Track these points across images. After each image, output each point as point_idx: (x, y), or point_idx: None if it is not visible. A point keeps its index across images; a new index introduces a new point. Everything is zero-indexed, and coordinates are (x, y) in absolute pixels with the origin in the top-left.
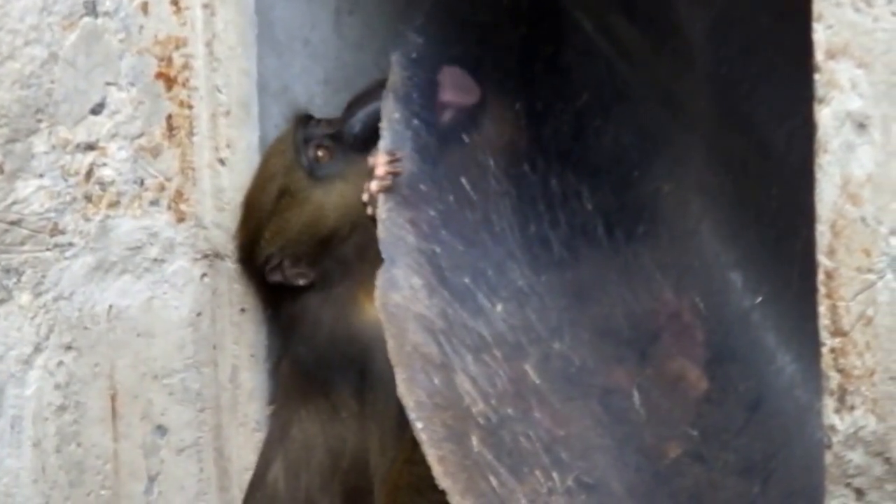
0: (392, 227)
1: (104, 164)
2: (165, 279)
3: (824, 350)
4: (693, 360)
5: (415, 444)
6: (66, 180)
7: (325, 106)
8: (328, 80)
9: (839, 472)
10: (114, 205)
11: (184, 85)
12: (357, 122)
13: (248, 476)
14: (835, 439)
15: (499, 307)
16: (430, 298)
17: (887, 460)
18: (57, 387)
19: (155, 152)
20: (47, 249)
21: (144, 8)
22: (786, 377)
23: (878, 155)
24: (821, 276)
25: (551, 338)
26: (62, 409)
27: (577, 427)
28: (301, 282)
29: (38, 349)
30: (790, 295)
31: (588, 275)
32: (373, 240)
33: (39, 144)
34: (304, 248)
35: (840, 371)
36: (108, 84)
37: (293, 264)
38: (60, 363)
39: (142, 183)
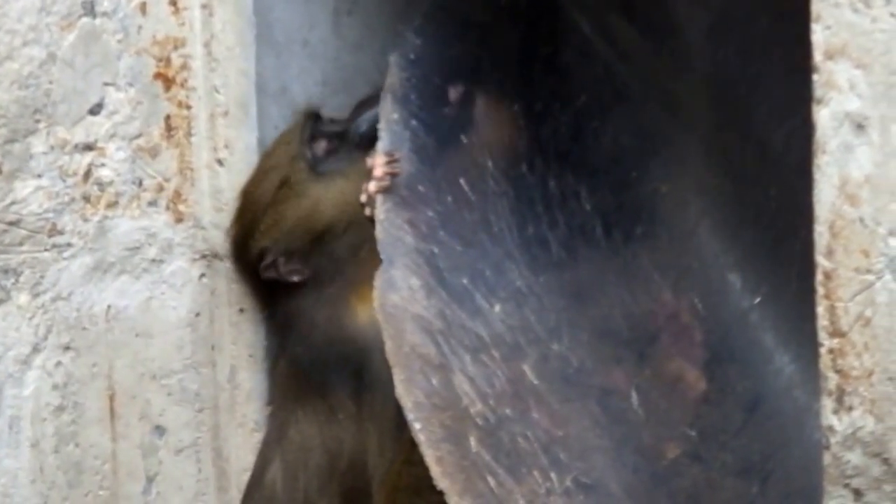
0: (390, 227)
1: (102, 165)
2: (164, 279)
3: (823, 351)
4: (691, 361)
5: (413, 445)
6: (64, 181)
7: (323, 107)
8: (327, 81)
9: (837, 472)
10: (112, 205)
11: (182, 85)
12: (364, 122)
13: (246, 476)
14: (833, 440)
15: (497, 308)
16: (428, 299)
17: (885, 461)
18: (55, 387)
19: (153, 153)
20: (45, 250)
21: (143, 8)
22: (784, 378)
23: (876, 156)
24: (819, 277)
25: (550, 338)
26: (60, 409)
27: (575, 428)
28: (295, 278)
29: (36, 349)
30: (789, 296)
31: (586, 275)
32: (367, 240)
33: (38, 145)
34: (298, 243)
35: (838, 372)
36: (107, 84)
37: (287, 260)
38: (59, 363)
39: (140, 183)
